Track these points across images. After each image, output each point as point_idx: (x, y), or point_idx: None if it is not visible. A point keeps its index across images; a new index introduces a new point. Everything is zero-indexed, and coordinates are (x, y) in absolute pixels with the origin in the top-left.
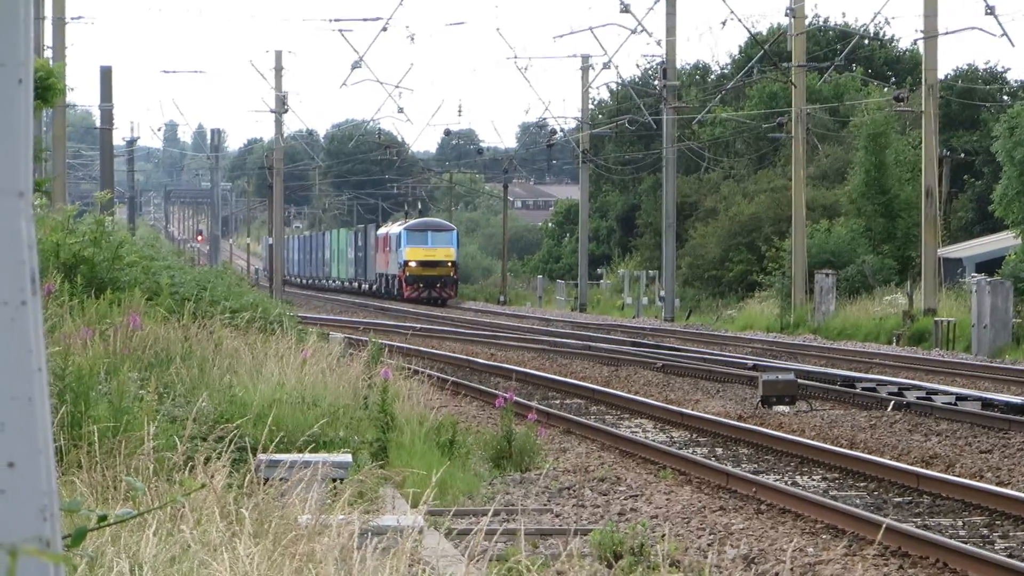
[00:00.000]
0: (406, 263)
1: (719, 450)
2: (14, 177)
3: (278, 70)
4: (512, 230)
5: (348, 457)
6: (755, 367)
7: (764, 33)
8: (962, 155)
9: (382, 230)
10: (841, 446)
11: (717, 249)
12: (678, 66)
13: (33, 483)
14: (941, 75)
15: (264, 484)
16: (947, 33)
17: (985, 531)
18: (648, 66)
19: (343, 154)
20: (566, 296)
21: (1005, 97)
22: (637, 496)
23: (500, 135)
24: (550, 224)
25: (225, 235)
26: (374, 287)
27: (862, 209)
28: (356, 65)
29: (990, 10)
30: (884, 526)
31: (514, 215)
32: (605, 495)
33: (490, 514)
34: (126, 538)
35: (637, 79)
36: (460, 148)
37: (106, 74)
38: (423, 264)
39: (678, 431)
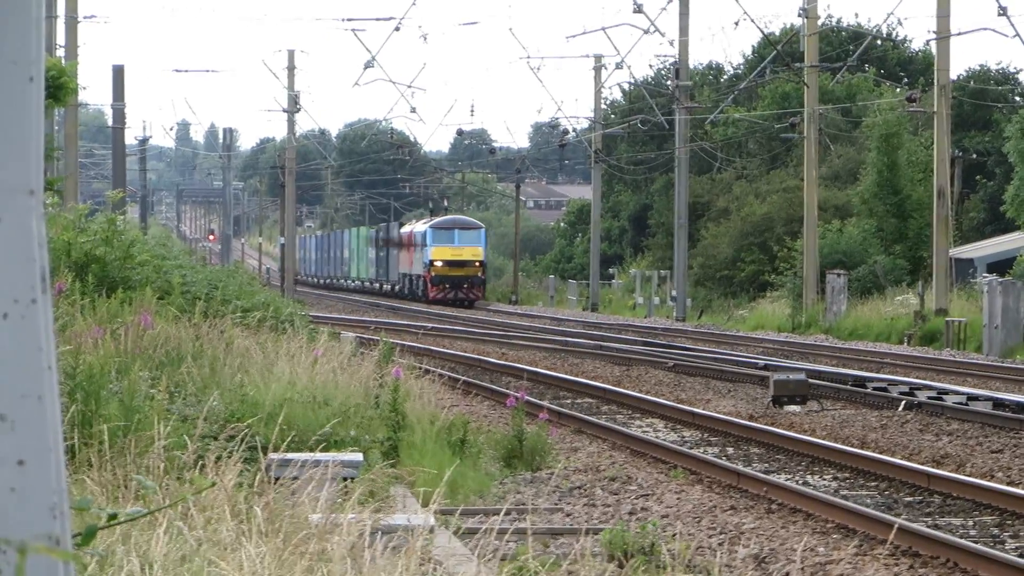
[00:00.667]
0: (431, 262)
1: (730, 450)
2: (25, 175)
3: (290, 69)
4: (524, 230)
5: (359, 456)
6: (766, 367)
7: (777, 33)
8: (974, 156)
9: (406, 228)
10: (852, 446)
11: (729, 249)
12: (691, 66)
13: (43, 481)
14: (953, 76)
15: (275, 483)
16: (960, 34)
17: (996, 531)
18: (661, 66)
19: (355, 154)
20: (578, 296)
21: (1017, 98)
22: (648, 495)
23: (512, 135)
24: (562, 224)
25: (237, 234)
26: (396, 288)
27: (874, 209)
28: (369, 64)
29: (1003, 11)
30: (896, 526)
31: (526, 215)
32: (616, 494)
33: (501, 513)
34: (136, 537)
35: (650, 79)
36: (472, 148)
37: (118, 73)
38: (449, 264)
39: (689, 431)
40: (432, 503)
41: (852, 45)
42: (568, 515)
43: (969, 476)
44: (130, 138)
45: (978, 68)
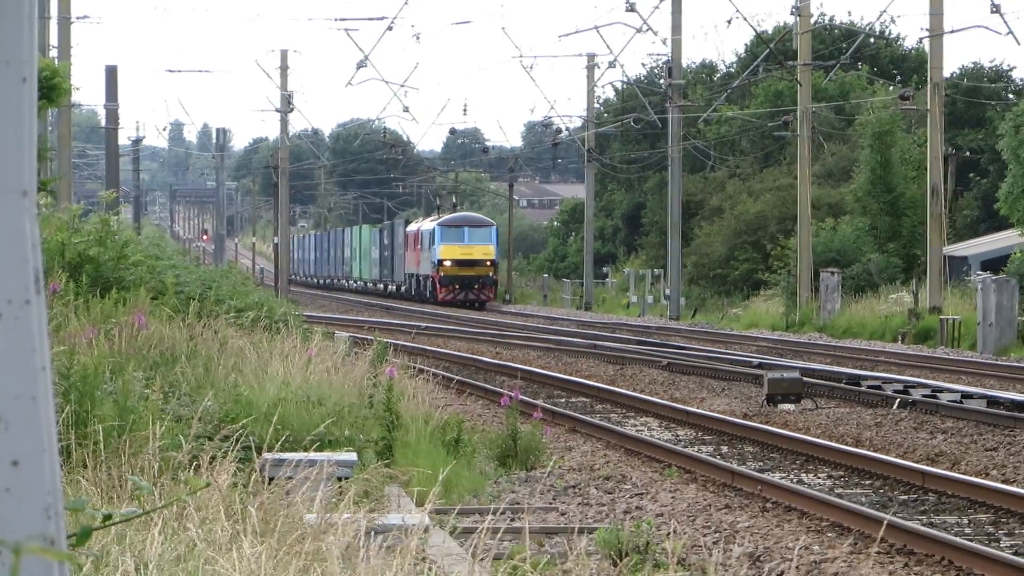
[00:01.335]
0: (440, 262)
1: (724, 448)
2: (18, 176)
3: (283, 69)
4: (517, 229)
5: (353, 456)
6: (760, 365)
7: (769, 32)
8: (967, 153)
9: (412, 226)
10: (846, 444)
11: (722, 248)
12: (684, 65)
13: (37, 481)
14: (947, 73)
15: (269, 483)
16: (953, 31)
17: (991, 529)
18: (654, 65)
19: (348, 153)
20: (571, 295)
21: (1010, 95)
22: (643, 494)
23: (505, 134)
24: (555, 223)
25: (230, 234)
26: (402, 288)
27: (867, 207)
28: (362, 64)
29: (996, 8)
30: (886, 522)
31: (519, 214)
32: (610, 493)
33: (496, 513)
34: (131, 537)
35: (643, 78)
36: (465, 147)
37: (111, 73)
38: (459, 263)
39: (683, 429)
40: (427, 503)
41: (845, 43)
42: (563, 514)
43: (964, 474)
44: (123, 138)
45: (971, 66)
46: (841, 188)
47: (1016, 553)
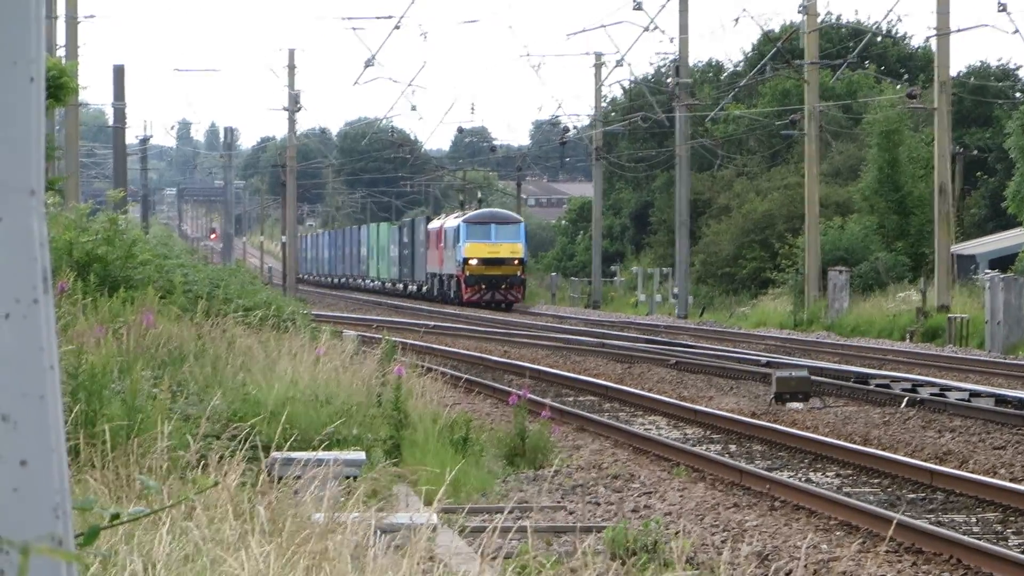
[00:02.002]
0: (466, 261)
1: (733, 447)
2: (26, 175)
3: (291, 68)
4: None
5: (362, 455)
6: (768, 364)
7: (777, 30)
8: (975, 152)
9: (435, 223)
10: (855, 443)
11: (730, 246)
12: (691, 63)
13: (46, 481)
14: (954, 72)
15: (278, 482)
16: (960, 30)
17: (999, 527)
18: (661, 64)
19: (356, 152)
20: (579, 293)
21: (1018, 94)
22: (651, 493)
23: (513, 133)
24: (563, 222)
25: (238, 233)
26: (424, 288)
27: (875, 206)
28: (369, 63)
29: (1003, 7)
30: (895, 522)
31: (527, 213)
32: (619, 492)
33: (504, 512)
34: (139, 537)
35: (650, 77)
36: (473, 146)
37: (119, 72)
38: (486, 262)
39: (692, 428)
40: (435, 502)
41: (852, 42)
42: (571, 513)
43: (972, 473)
44: (131, 137)
45: (978, 64)
46: (849, 187)
47: None
